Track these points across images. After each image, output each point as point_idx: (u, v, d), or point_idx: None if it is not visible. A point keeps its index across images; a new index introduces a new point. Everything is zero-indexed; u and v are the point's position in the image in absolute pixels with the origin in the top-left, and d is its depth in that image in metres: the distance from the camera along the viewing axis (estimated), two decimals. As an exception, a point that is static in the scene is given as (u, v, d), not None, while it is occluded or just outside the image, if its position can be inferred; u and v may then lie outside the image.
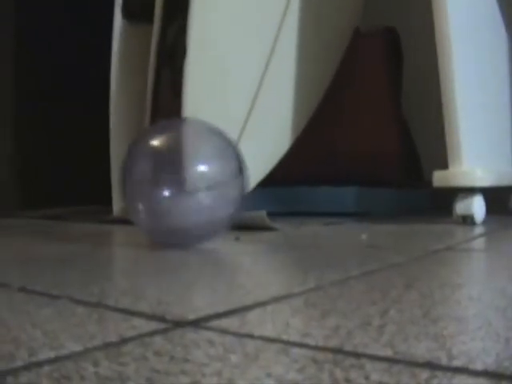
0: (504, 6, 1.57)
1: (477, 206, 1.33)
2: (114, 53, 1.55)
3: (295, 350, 0.40)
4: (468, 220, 1.33)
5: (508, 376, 0.34)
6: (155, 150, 0.96)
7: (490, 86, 1.52)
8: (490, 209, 1.37)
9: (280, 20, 1.45)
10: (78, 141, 2.27)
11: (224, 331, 0.45)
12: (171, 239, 0.98)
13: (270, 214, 1.25)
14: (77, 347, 0.40)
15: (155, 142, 0.97)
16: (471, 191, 1.33)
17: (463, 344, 0.41)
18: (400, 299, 0.56)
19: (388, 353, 0.39)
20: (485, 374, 0.35)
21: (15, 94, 2.28)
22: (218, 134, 0.98)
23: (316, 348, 0.40)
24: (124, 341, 0.42)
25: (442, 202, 1.42)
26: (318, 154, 1.68)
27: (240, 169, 0.96)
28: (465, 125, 1.33)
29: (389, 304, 0.54)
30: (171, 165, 0.93)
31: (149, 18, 1.42)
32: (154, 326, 0.47)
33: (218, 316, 0.49)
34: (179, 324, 0.47)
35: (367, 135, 1.68)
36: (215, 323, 0.47)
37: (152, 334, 0.44)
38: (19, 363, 0.37)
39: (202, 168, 0.95)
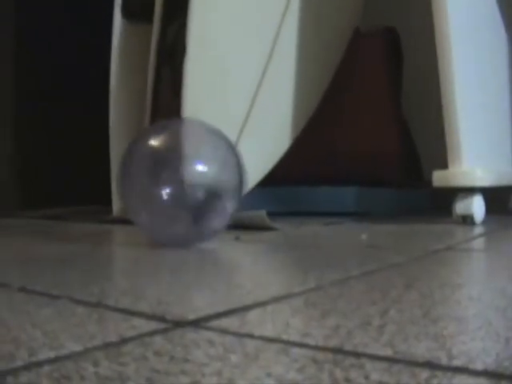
0: (504, 7, 1.57)
1: (476, 206, 1.33)
2: (113, 52, 1.55)
3: (295, 350, 0.40)
4: (468, 220, 1.33)
5: (508, 376, 0.34)
6: (154, 150, 0.96)
7: (490, 86, 1.52)
8: (490, 209, 1.37)
9: (280, 20, 1.45)
10: (77, 141, 2.27)
11: (224, 331, 0.45)
12: (170, 239, 0.98)
13: (270, 214, 1.25)
14: (77, 347, 0.40)
15: (155, 142, 0.97)
16: (471, 191, 1.33)
17: (463, 344, 0.41)
18: (400, 299, 0.56)
19: (388, 352, 0.39)
20: (485, 373, 0.35)
21: (15, 94, 2.29)
22: (217, 134, 0.98)
23: (316, 348, 0.40)
24: (124, 341, 0.42)
25: (442, 202, 1.42)
26: (317, 153, 1.68)
27: (239, 169, 0.96)
28: (465, 125, 1.33)
29: (389, 304, 0.54)
30: (170, 165, 0.93)
31: (148, 17, 1.42)
32: (153, 325, 0.47)
33: (218, 316, 0.50)
34: (179, 324, 0.47)
35: (367, 135, 1.68)
36: (215, 323, 0.47)
37: (152, 333, 0.44)
38: (19, 363, 0.37)
39: (201, 168, 0.96)
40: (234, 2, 1.36)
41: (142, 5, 1.49)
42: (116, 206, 1.48)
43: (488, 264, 0.88)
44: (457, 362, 0.37)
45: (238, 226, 1.08)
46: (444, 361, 0.37)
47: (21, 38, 2.29)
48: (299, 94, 1.53)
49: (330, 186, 1.65)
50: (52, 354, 0.39)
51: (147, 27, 1.43)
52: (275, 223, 1.24)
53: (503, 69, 1.60)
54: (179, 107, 1.23)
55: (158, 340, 0.43)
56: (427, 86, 1.45)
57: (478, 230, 1.27)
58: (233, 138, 1.08)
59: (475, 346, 0.41)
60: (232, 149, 0.98)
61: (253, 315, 0.51)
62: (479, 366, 0.36)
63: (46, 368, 0.36)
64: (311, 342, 0.42)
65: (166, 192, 0.93)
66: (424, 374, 0.35)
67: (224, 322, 0.48)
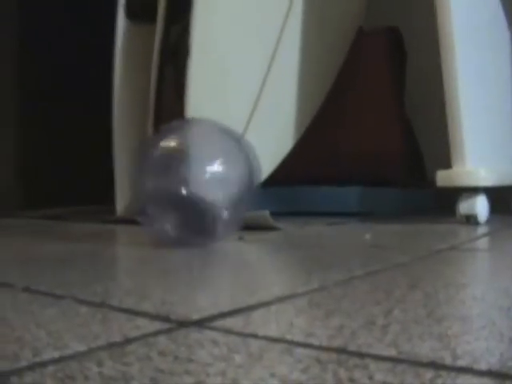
0: (507, 6, 1.57)
1: (480, 206, 1.33)
2: (117, 52, 1.55)
3: (299, 350, 0.40)
4: (471, 220, 1.32)
5: (502, 377, 0.34)
6: (167, 151, 0.97)
7: (492, 86, 1.52)
8: (494, 208, 1.37)
9: (282, 20, 1.45)
10: (77, 141, 2.27)
11: (228, 331, 0.45)
12: (186, 240, 0.98)
13: (273, 214, 1.25)
14: (81, 347, 0.40)
15: (168, 143, 0.98)
16: (475, 191, 1.33)
17: (467, 344, 0.41)
18: (404, 299, 0.56)
19: (392, 353, 0.39)
20: (489, 373, 0.35)
21: (16, 94, 2.29)
22: (229, 134, 1.00)
23: (320, 348, 0.40)
24: (128, 341, 0.42)
25: (446, 202, 1.42)
26: (321, 153, 1.68)
27: (250, 167, 0.97)
28: (468, 124, 1.33)
29: (393, 304, 0.54)
30: (180, 166, 0.94)
31: (152, 18, 1.42)
32: (158, 325, 0.47)
33: (222, 316, 0.49)
34: (183, 324, 0.47)
35: (370, 134, 1.68)
36: (219, 323, 0.47)
37: (156, 333, 0.44)
38: (23, 363, 0.37)
39: (215, 169, 0.96)
40: (237, 2, 1.36)
41: (144, 5, 1.49)
42: (119, 205, 1.48)
43: (492, 264, 0.87)
44: (461, 362, 0.37)
45: (242, 225, 1.08)
46: (448, 361, 0.37)
47: (21, 38, 2.29)
48: (302, 94, 1.53)
49: (334, 186, 1.65)
50: (56, 354, 0.39)
51: (150, 27, 1.43)
52: (278, 223, 1.24)
53: (506, 68, 1.60)
54: (182, 108, 1.23)
55: (162, 340, 0.43)
56: (430, 86, 1.45)
57: (482, 229, 1.27)
58: (242, 137, 1.08)
59: (479, 345, 0.41)
60: (244, 149, 0.99)
61: (257, 315, 0.51)
62: (483, 366, 0.36)
63: (50, 368, 0.36)
64: (315, 342, 0.42)
65: (180, 194, 0.93)
66: (428, 374, 0.35)
67: (228, 322, 0.48)
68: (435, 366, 0.36)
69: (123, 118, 1.54)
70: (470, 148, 1.32)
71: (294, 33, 1.48)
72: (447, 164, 1.34)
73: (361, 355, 0.39)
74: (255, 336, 0.43)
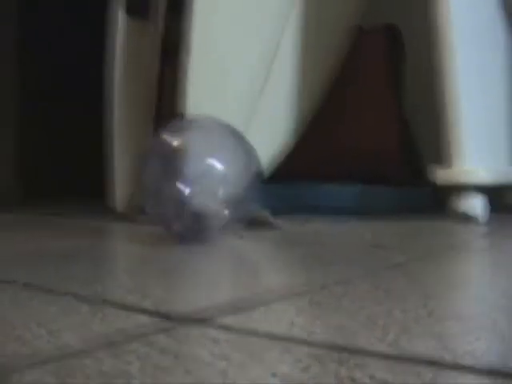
0: (503, 6, 1.58)
1: (479, 205, 1.33)
2: (116, 49, 1.54)
3: (300, 349, 0.40)
4: (470, 219, 1.33)
5: (509, 374, 0.34)
6: (169, 152, 0.98)
7: (489, 85, 1.52)
8: (492, 207, 1.38)
9: (282, 19, 1.45)
10: (78, 141, 2.27)
11: (228, 329, 0.45)
12: (186, 238, 1.00)
13: (274, 212, 1.25)
14: (81, 345, 0.40)
15: (170, 144, 0.99)
16: (473, 189, 1.33)
17: (468, 343, 0.41)
18: (404, 299, 0.56)
19: (393, 352, 0.39)
20: (490, 373, 0.35)
21: (15, 94, 2.29)
22: (230, 132, 1.01)
23: (321, 347, 0.40)
24: (128, 339, 0.42)
25: (444, 201, 1.42)
26: (320, 151, 1.68)
27: (251, 166, 0.98)
28: (466, 123, 1.33)
29: (393, 303, 0.54)
30: (184, 166, 0.95)
31: (151, 15, 1.42)
32: (158, 324, 0.47)
33: (223, 314, 0.49)
34: (183, 322, 0.47)
35: (368, 133, 1.68)
36: (219, 321, 0.47)
37: (157, 331, 0.44)
38: (24, 361, 0.37)
39: (216, 168, 0.97)
40: (237, 1, 1.36)
41: (144, 1, 1.49)
42: (119, 203, 1.48)
43: (491, 263, 0.88)
44: (461, 362, 0.37)
45: (242, 223, 1.09)
46: (448, 360, 0.37)
47: (21, 38, 2.29)
48: (301, 92, 1.54)
49: (333, 184, 1.65)
50: (57, 352, 0.39)
51: (149, 24, 1.43)
52: (278, 221, 1.24)
53: (501, 68, 1.61)
54: (181, 106, 1.23)
55: (162, 338, 0.43)
56: (429, 85, 1.45)
57: (481, 228, 1.27)
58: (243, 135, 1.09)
59: (480, 345, 0.41)
60: (244, 147, 1.00)
61: (258, 314, 0.51)
62: (484, 366, 0.36)
63: (51, 366, 0.36)
64: (316, 341, 0.42)
65: (176, 191, 0.94)
66: (429, 373, 0.35)
67: (228, 321, 0.48)
68: (436, 365, 0.36)
69: (123, 116, 1.53)
70: (468, 147, 1.33)
71: (293, 31, 1.48)
72: (446, 163, 1.34)
73: (362, 354, 0.39)
74: (256, 334, 0.43)
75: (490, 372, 0.35)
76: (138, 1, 1.51)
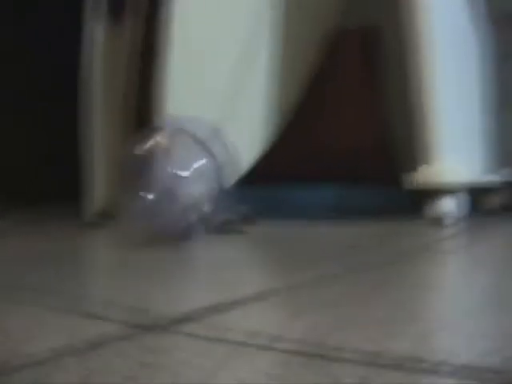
0: (474, 9, 1.58)
1: (453, 206, 1.34)
2: (93, 53, 1.54)
3: (272, 349, 0.41)
4: (444, 220, 1.33)
5: (480, 373, 0.35)
6: (146, 155, 1.01)
7: (465, 90, 1.53)
8: (468, 209, 1.38)
9: (259, 17, 1.45)
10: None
11: (202, 331, 0.45)
12: (163, 237, 1.01)
13: (252, 212, 1.25)
14: (47, 353, 0.41)
15: (147, 147, 1.02)
16: (448, 191, 1.33)
17: (437, 343, 0.42)
18: (375, 299, 0.57)
19: (364, 351, 0.40)
20: (458, 372, 0.36)
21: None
22: (203, 135, 1.03)
23: (292, 346, 0.41)
24: (94, 346, 0.43)
25: (420, 202, 1.42)
26: (299, 151, 1.68)
27: (220, 167, 1.01)
28: (441, 125, 1.34)
29: (364, 303, 0.54)
30: (160, 168, 0.97)
31: (130, 16, 1.42)
32: (124, 330, 0.47)
33: (196, 316, 0.50)
34: (149, 328, 0.48)
35: (347, 132, 1.69)
36: (193, 323, 0.48)
37: (122, 338, 0.45)
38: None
39: (191, 169, 1.00)
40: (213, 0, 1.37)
41: (123, 3, 1.48)
42: (96, 206, 1.49)
43: (465, 264, 0.88)
44: (431, 361, 0.38)
45: (216, 227, 1.10)
46: (418, 360, 0.38)
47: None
48: (279, 91, 1.53)
49: (310, 185, 1.65)
50: (21, 361, 0.39)
51: (127, 27, 1.43)
52: (248, 226, 1.24)
53: (475, 73, 1.61)
54: (159, 106, 1.24)
55: (128, 344, 0.43)
56: (407, 87, 1.44)
57: (454, 230, 1.27)
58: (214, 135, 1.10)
59: (449, 345, 0.42)
60: (216, 150, 1.04)
61: (230, 315, 0.51)
62: (453, 365, 0.37)
63: (16, 375, 0.37)
64: (287, 341, 0.42)
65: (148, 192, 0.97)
66: (401, 374, 0.36)
67: (201, 322, 0.48)
68: (409, 365, 0.37)
69: (101, 119, 1.53)
70: (444, 148, 1.33)
71: (271, 30, 1.48)
72: (422, 165, 1.34)
73: (333, 354, 0.39)
74: (222, 340, 0.44)
75: (463, 371, 0.36)
76: (114, 3, 1.51)
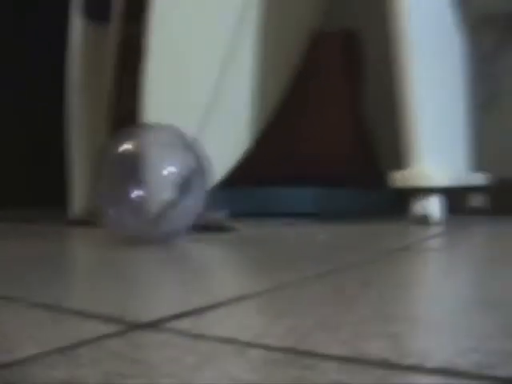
0: (457, 12, 1.59)
1: (435, 206, 1.34)
2: (75, 54, 1.54)
3: (251, 351, 0.40)
4: (426, 220, 1.33)
5: (459, 372, 0.35)
6: (124, 156, 1.03)
7: (447, 91, 1.54)
8: (448, 209, 1.38)
9: (239, 21, 1.45)
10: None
11: (180, 333, 0.45)
12: (142, 238, 1.04)
13: (230, 215, 1.25)
14: (33, 350, 0.40)
15: (125, 148, 1.03)
16: (430, 191, 1.33)
17: (416, 342, 0.42)
18: (356, 299, 0.56)
19: (343, 352, 0.39)
20: (437, 371, 0.35)
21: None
22: (180, 137, 1.05)
23: (271, 348, 0.40)
24: (80, 343, 0.42)
25: (401, 203, 1.42)
26: (277, 154, 1.69)
27: (202, 169, 1.03)
28: (424, 125, 1.34)
29: (344, 304, 0.54)
30: (136, 169, 1.00)
31: (110, 18, 1.42)
32: (111, 328, 0.47)
33: (174, 318, 0.49)
34: (135, 326, 0.47)
35: (326, 135, 1.69)
36: (171, 325, 0.47)
37: (109, 336, 0.44)
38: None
39: (164, 171, 1.03)
40: (195, 4, 1.36)
41: (102, 4, 1.48)
42: (76, 207, 1.50)
43: (446, 264, 0.87)
44: (411, 360, 0.37)
45: (199, 227, 1.10)
46: (398, 359, 0.37)
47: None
48: (258, 95, 1.54)
49: (290, 187, 1.65)
50: (7, 358, 0.39)
51: (108, 27, 1.43)
52: (234, 224, 1.24)
53: (457, 71, 1.62)
54: (139, 109, 1.24)
55: (115, 342, 0.43)
56: (388, 87, 1.44)
57: (436, 230, 1.27)
58: (193, 138, 1.11)
59: (428, 344, 0.41)
60: (195, 149, 1.05)
61: (209, 316, 0.51)
62: (432, 364, 0.36)
63: (1, 372, 0.36)
64: (266, 342, 0.42)
65: (131, 193, 0.99)
66: (378, 372, 0.35)
67: (180, 324, 0.47)
68: (385, 364, 0.36)
69: (79, 119, 1.54)
70: (425, 149, 1.33)
71: (250, 33, 1.49)
72: (404, 166, 1.34)
73: (312, 355, 0.39)
74: (207, 338, 0.44)
75: (438, 370, 0.35)
76: (98, 4, 1.50)
